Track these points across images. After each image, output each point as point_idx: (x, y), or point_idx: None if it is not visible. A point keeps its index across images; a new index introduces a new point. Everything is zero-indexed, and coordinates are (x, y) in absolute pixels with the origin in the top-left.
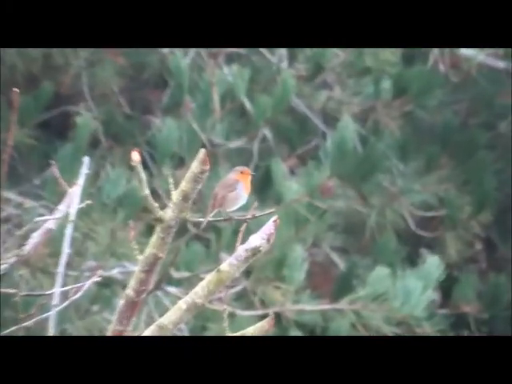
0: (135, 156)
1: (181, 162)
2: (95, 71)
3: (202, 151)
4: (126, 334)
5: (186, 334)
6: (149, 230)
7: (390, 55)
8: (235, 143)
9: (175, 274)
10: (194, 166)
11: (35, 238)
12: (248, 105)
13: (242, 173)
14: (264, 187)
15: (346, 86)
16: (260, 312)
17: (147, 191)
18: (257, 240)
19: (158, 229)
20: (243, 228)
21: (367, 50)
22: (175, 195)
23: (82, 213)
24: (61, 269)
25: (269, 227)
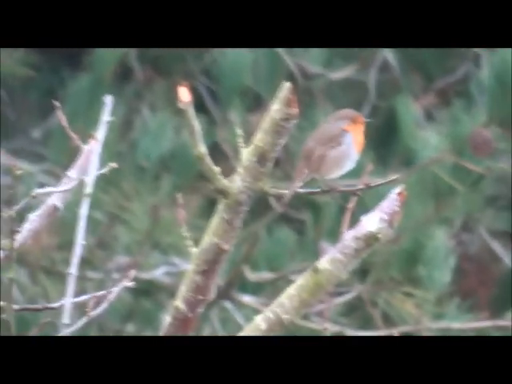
0: (184, 94)
1: (256, 103)
2: None
3: (287, 86)
4: None
5: None
6: (208, 209)
7: None
8: (341, 73)
9: (251, 276)
10: (275, 110)
11: (34, 221)
12: None
13: (351, 119)
14: (385, 141)
15: None
16: (382, 333)
17: (204, 148)
18: (373, 222)
19: (221, 207)
20: (352, 204)
21: None
22: (247, 154)
23: (107, 182)
24: (74, 268)
25: (391, 203)
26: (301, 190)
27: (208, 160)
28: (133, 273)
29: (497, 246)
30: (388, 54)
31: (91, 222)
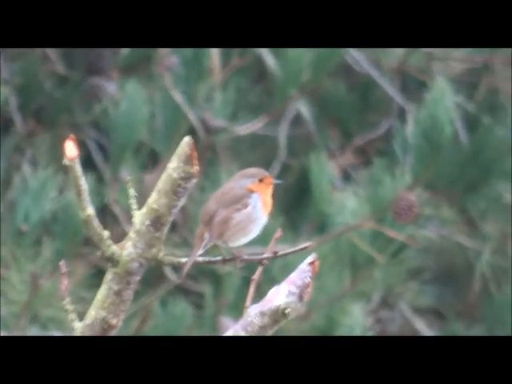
0: (71, 148)
1: (152, 160)
2: None
3: (187, 141)
4: None
5: None
6: (94, 279)
7: None
8: (248, 127)
9: None
10: (173, 168)
11: None
12: (270, 59)
13: (258, 179)
14: (296, 204)
15: None
16: None
17: (91, 210)
18: (281, 296)
19: (109, 276)
20: (258, 275)
21: None
22: (140, 217)
23: None
24: None
25: (302, 274)
26: (200, 259)
27: (96, 223)
28: None
29: (420, 325)
30: (301, 107)
31: None
